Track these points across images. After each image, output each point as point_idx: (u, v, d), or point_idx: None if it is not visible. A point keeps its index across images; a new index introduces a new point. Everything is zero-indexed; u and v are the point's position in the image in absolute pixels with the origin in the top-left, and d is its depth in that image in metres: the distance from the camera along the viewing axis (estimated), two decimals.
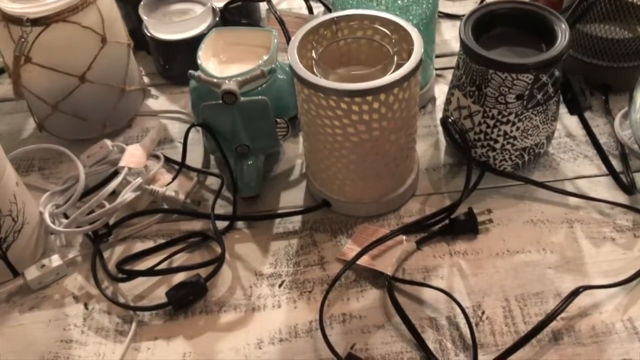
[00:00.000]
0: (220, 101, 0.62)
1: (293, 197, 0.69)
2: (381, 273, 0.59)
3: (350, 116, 0.55)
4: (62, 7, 0.65)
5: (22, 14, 0.65)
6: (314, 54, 0.58)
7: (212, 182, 0.72)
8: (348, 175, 0.62)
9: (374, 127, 0.56)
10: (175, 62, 0.83)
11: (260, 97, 0.63)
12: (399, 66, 0.57)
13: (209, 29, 0.81)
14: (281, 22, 0.79)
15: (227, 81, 0.62)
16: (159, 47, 0.83)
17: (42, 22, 0.65)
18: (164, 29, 0.81)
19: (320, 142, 0.60)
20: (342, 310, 0.58)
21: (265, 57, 0.69)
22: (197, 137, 0.76)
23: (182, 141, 0.70)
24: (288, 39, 0.79)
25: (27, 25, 0.65)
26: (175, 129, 0.79)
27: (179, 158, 0.72)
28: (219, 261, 0.61)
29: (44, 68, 0.68)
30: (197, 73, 0.65)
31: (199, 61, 0.69)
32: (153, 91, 0.85)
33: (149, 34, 0.81)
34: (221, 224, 0.66)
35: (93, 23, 0.68)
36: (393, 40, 0.59)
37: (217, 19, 0.83)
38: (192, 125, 0.68)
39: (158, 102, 0.84)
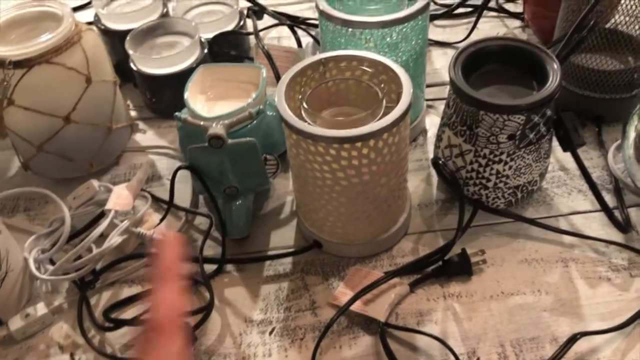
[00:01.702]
0: (206, 145, 0.61)
1: (283, 237, 0.68)
2: (374, 319, 0.58)
3: (339, 162, 0.54)
4: (46, 49, 0.64)
5: (4, 57, 0.64)
6: (302, 101, 0.57)
7: (201, 221, 0.70)
8: (339, 217, 0.60)
9: (363, 171, 0.55)
10: (163, 95, 0.82)
11: (248, 138, 0.62)
12: (388, 108, 0.56)
13: (197, 62, 0.80)
14: (269, 57, 0.78)
15: (214, 124, 0.61)
16: (146, 82, 0.81)
17: (25, 64, 0.64)
18: (151, 63, 0.80)
19: (310, 185, 0.59)
20: (335, 359, 0.57)
21: (253, 95, 0.68)
22: (186, 175, 0.74)
23: (170, 179, 0.69)
24: (276, 73, 0.78)
25: (10, 68, 0.64)
26: (164, 164, 0.78)
27: (167, 196, 0.70)
28: (207, 308, 0.59)
29: (27, 110, 0.67)
30: (184, 115, 0.63)
31: (185, 99, 0.68)
32: (141, 125, 0.84)
33: (135, 68, 0.80)
34: (210, 267, 0.65)
35: (77, 63, 0.67)
36: (382, 83, 0.58)
37: (205, 51, 0.82)
38: (180, 167, 0.67)
39: (146, 136, 0.82)
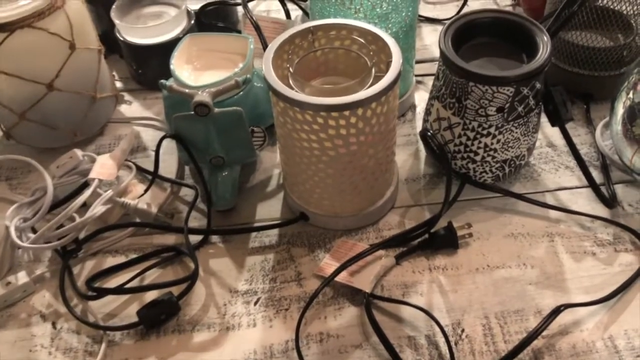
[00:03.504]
0: (192, 112, 0.60)
1: (270, 209, 0.67)
2: (359, 290, 0.58)
3: (327, 131, 0.54)
4: (28, 13, 0.63)
5: None
6: (289, 68, 0.57)
7: (187, 193, 0.70)
8: (325, 189, 0.60)
9: (351, 141, 0.55)
10: (149, 66, 0.81)
11: (234, 108, 0.61)
12: (377, 78, 0.55)
13: (183, 32, 0.79)
14: (257, 28, 0.77)
15: (200, 92, 0.60)
16: (132, 52, 0.80)
17: (7, 28, 0.62)
18: (136, 33, 0.78)
19: (297, 156, 0.58)
20: (320, 329, 0.56)
21: (240, 65, 0.67)
22: (171, 146, 0.73)
23: (155, 150, 0.68)
24: (264, 45, 0.77)
25: None
26: (149, 136, 0.77)
27: (152, 167, 0.69)
28: (192, 278, 0.59)
29: (9, 76, 0.65)
30: (169, 83, 0.62)
31: (172, 68, 0.66)
32: (126, 97, 0.82)
33: (121, 38, 0.79)
34: (195, 238, 0.64)
35: (61, 29, 0.65)
36: (371, 52, 0.58)
37: (192, 22, 0.81)
38: (165, 136, 0.66)
39: (131, 108, 0.81)
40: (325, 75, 0.62)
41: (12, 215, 0.64)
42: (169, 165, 0.72)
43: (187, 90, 0.61)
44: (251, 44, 0.69)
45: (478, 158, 0.63)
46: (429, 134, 0.61)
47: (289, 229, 0.65)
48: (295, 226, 0.65)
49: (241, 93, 0.67)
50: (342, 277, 0.59)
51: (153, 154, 0.73)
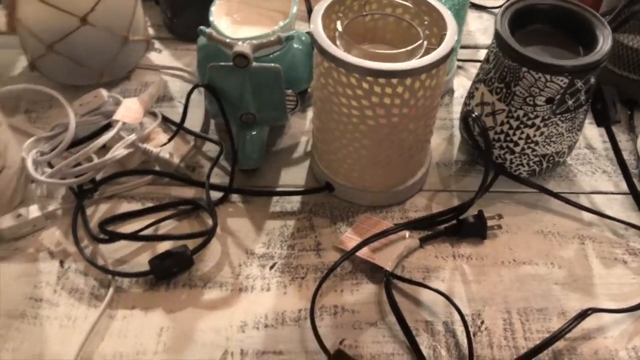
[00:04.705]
0: (231, 63, 0.58)
1: (294, 176, 0.65)
2: (380, 268, 0.56)
3: (370, 98, 0.51)
4: None
5: None
6: (338, 26, 0.54)
7: (210, 148, 0.67)
8: (358, 160, 0.58)
9: (393, 112, 0.52)
10: (183, 16, 0.78)
11: (273, 64, 0.59)
12: (427, 51, 0.52)
13: None
14: None
15: (240, 43, 0.57)
16: None
17: None
18: None
19: (333, 122, 0.56)
20: (335, 302, 0.54)
21: (281, 23, 0.64)
22: (198, 99, 0.71)
23: (182, 101, 0.66)
24: (309, 8, 0.74)
25: None
26: (177, 87, 0.75)
27: (177, 118, 0.67)
28: (209, 234, 0.57)
29: (44, 4, 0.63)
30: (209, 30, 0.60)
31: (211, 18, 0.64)
32: (157, 44, 0.80)
33: None
34: (214, 195, 0.62)
35: None
36: (425, 22, 0.55)
37: None
38: (196, 86, 0.63)
39: (161, 56, 0.79)
40: (372, 42, 0.60)
41: (30, 147, 0.62)
42: (193, 119, 0.69)
43: (227, 40, 0.58)
44: (296, 3, 0.66)
45: (517, 149, 0.60)
46: (473, 115, 0.59)
47: (312, 198, 0.63)
48: (319, 196, 0.63)
49: (278, 53, 0.65)
50: (363, 253, 0.57)
51: (179, 104, 0.71)
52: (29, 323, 0.52)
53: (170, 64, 0.77)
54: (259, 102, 0.61)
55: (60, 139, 0.63)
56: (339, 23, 0.54)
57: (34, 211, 0.58)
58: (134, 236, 0.57)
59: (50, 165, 0.62)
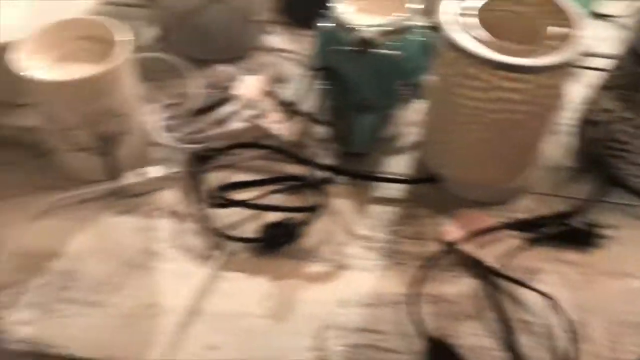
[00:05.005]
0: (351, 48, 0.59)
1: (399, 165, 0.66)
2: (480, 263, 0.56)
3: (497, 92, 0.51)
4: None
5: None
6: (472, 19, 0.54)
7: (321, 130, 0.69)
8: (472, 153, 0.58)
9: (520, 109, 0.52)
10: (302, 1, 0.81)
11: (395, 52, 0.60)
12: (547, 52, 0.52)
13: None
14: None
15: (365, 28, 0.59)
16: None
17: None
18: None
19: (452, 114, 0.56)
20: (434, 292, 0.55)
21: (403, 14, 0.65)
22: (313, 82, 0.73)
23: (297, 83, 0.68)
24: None
25: None
26: (292, 69, 0.77)
27: (291, 99, 0.69)
28: (317, 210, 0.58)
29: None
30: (334, 14, 0.61)
31: (333, 4, 0.65)
32: (275, 28, 0.82)
33: None
34: (321, 175, 0.63)
35: None
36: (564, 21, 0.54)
37: None
38: (315, 69, 0.65)
39: (277, 39, 0.81)
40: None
41: (155, 113, 0.66)
42: (306, 101, 0.71)
43: (352, 25, 0.60)
44: None
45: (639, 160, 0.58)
46: (594, 121, 0.57)
47: (417, 188, 0.63)
48: (424, 187, 0.63)
49: (399, 43, 0.66)
50: (467, 247, 0.57)
51: (293, 86, 0.74)
52: (144, 274, 0.56)
53: (286, 47, 0.80)
54: (376, 89, 0.62)
55: (183, 108, 0.67)
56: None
57: (156, 171, 0.62)
58: (248, 204, 0.60)
59: (172, 132, 0.65)
